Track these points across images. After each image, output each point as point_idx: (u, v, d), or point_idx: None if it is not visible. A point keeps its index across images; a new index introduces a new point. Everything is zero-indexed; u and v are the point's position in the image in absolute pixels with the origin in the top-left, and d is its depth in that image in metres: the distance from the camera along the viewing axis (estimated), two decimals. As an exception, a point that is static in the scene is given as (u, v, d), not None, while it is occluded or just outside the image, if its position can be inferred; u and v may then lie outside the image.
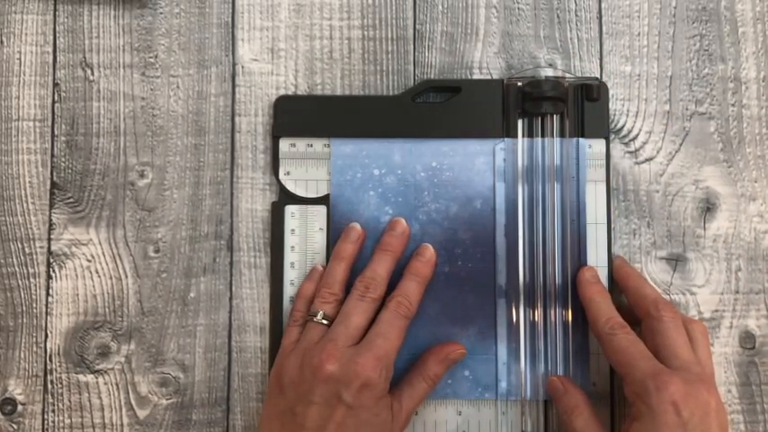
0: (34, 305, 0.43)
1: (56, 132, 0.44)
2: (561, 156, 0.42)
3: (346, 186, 0.43)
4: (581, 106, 0.43)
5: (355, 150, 0.43)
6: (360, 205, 0.43)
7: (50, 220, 0.44)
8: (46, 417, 0.43)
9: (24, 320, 0.43)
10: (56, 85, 0.44)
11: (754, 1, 0.45)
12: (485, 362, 0.42)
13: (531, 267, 0.42)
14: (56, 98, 0.44)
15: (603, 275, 0.43)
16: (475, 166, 0.43)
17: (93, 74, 0.45)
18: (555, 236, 0.42)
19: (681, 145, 0.44)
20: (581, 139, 0.43)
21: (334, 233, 0.42)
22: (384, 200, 0.43)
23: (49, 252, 0.44)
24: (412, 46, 0.45)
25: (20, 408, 0.43)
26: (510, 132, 0.43)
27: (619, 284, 0.42)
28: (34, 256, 0.44)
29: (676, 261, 0.44)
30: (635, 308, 0.40)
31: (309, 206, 0.43)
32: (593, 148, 0.43)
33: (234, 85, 0.45)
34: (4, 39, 0.45)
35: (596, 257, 0.43)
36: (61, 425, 0.43)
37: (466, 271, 0.42)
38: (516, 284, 0.42)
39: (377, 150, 0.43)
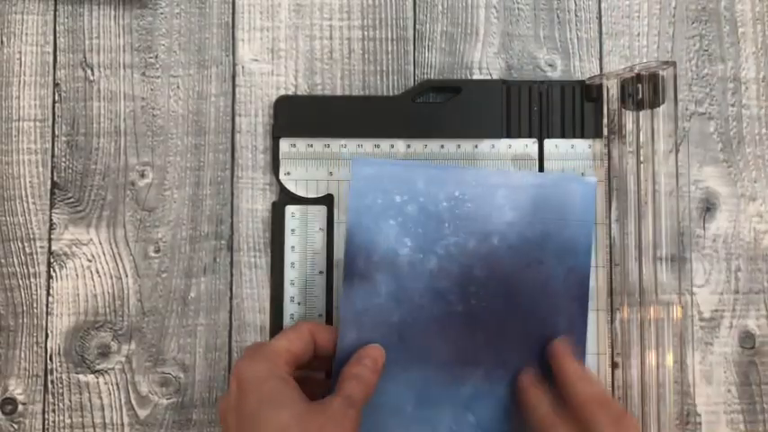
0: (35, 305, 0.43)
1: (56, 132, 0.44)
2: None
3: (365, 213, 0.40)
4: (581, 106, 0.44)
5: (378, 173, 0.40)
6: (378, 235, 0.40)
7: (51, 219, 0.44)
8: (46, 416, 0.43)
9: (25, 320, 0.43)
10: (56, 85, 0.44)
11: (754, 1, 0.45)
12: (490, 407, 0.40)
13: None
14: (56, 98, 0.44)
15: (602, 277, 0.43)
16: (495, 198, 0.40)
17: (93, 74, 0.45)
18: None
19: (680, 145, 0.44)
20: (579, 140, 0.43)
21: (351, 264, 0.39)
22: (404, 230, 0.40)
23: (50, 252, 0.44)
24: (412, 46, 0.45)
25: (20, 407, 0.43)
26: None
27: (554, 374, 0.39)
28: (35, 256, 0.44)
29: (676, 261, 0.44)
30: (567, 404, 0.37)
31: (309, 206, 0.43)
32: (594, 147, 0.43)
33: (234, 86, 0.45)
34: (5, 39, 0.45)
35: (596, 258, 0.43)
36: (62, 425, 0.43)
37: (478, 309, 0.40)
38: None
39: (400, 175, 0.40)
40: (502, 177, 0.41)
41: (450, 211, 0.40)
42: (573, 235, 0.41)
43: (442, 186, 0.40)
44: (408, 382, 0.39)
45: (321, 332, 0.38)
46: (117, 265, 0.44)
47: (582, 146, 0.43)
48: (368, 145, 0.43)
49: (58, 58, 0.45)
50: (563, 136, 0.44)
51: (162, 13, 0.45)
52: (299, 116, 0.44)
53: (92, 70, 0.45)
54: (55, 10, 0.45)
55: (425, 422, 0.39)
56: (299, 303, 0.42)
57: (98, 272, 0.44)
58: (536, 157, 0.43)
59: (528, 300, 0.40)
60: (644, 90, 0.42)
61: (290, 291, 0.43)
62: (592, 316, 0.43)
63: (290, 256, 0.43)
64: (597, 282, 0.43)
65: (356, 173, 0.40)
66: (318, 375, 0.40)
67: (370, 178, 0.40)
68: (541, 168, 0.43)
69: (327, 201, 0.43)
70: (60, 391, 0.43)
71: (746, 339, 0.44)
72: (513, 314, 0.40)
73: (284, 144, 0.43)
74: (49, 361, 0.43)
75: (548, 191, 0.41)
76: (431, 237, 0.40)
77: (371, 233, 0.40)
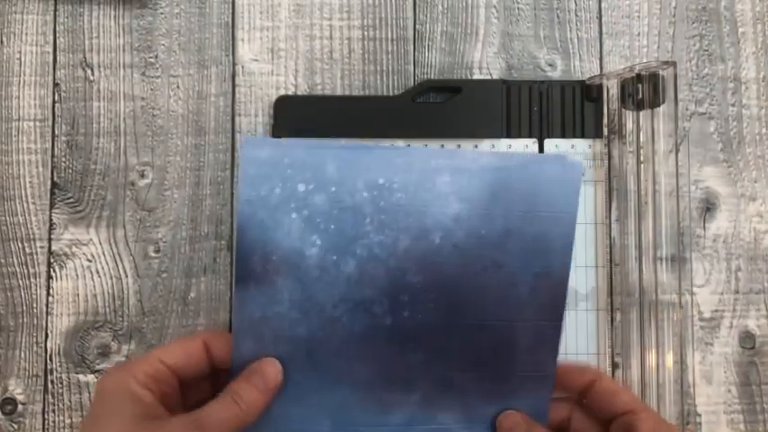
0: (34, 305, 0.43)
1: (56, 132, 0.44)
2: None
3: (260, 205, 0.32)
4: (581, 106, 0.44)
5: (275, 155, 0.32)
6: (277, 231, 0.32)
7: (51, 219, 0.44)
8: (46, 416, 0.43)
9: (25, 320, 0.43)
10: (56, 85, 0.44)
11: (754, 1, 0.45)
12: None
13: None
14: (56, 98, 0.44)
15: (603, 277, 0.43)
16: (435, 186, 0.32)
17: (93, 74, 0.45)
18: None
19: (680, 145, 0.44)
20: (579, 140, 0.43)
21: (243, 264, 0.32)
22: (311, 226, 0.32)
23: (50, 252, 0.44)
24: (412, 46, 0.45)
25: (20, 407, 0.43)
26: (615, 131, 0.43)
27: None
28: (35, 256, 0.44)
29: (676, 261, 0.44)
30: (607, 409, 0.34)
31: (309, 206, 0.43)
32: (594, 147, 0.43)
33: (234, 85, 0.45)
34: (4, 39, 0.45)
35: (596, 258, 0.43)
36: (61, 425, 0.43)
37: (413, 323, 0.33)
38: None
39: (303, 158, 0.32)
40: (446, 158, 0.33)
41: (372, 203, 0.32)
42: (545, 231, 0.33)
43: (362, 172, 0.32)
44: (321, 407, 0.33)
45: (218, 341, 0.33)
46: (117, 265, 0.44)
47: (582, 146, 0.43)
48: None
49: (58, 57, 0.45)
50: (563, 136, 0.43)
51: (162, 13, 0.45)
52: (299, 116, 0.44)
53: (92, 70, 0.45)
54: (55, 10, 0.45)
55: None
56: (298, 303, 0.42)
57: (98, 272, 0.43)
58: (536, 156, 0.43)
59: (480, 312, 0.33)
60: (644, 90, 0.42)
61: (289, 291, 0.42)
62: (592, 316, 0.43)
63: (289, 256, 0.42)
64: (597, 282, 0.43)
65: (247, 155, 0.32)
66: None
67: (265, 162, 0.32)
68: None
69: (327, 201, 0.43)
70: (60, 391, 0.43)
71: (747, 339, 0.44)
72: (460, 329, 0.33)
73: (284, 144, 0.43)
74: (48, 361, 0.43)
75: (511, 175, 0.33)
76: (347, 235, 0.32)
77: (268, 229, 0.32)
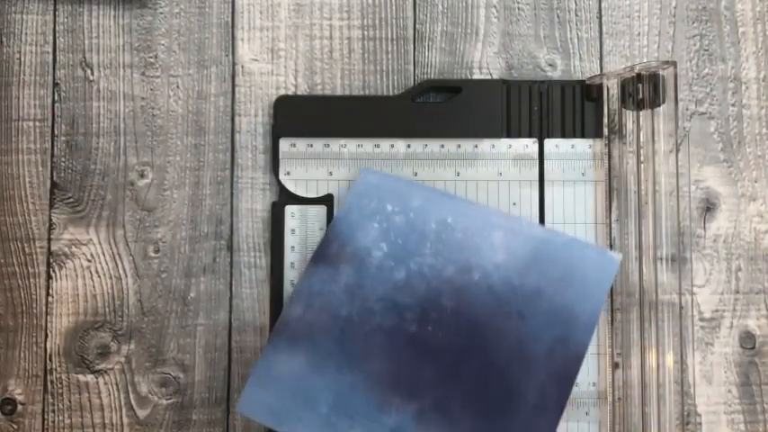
0: (34, 305, 0.43)
1: (56, 132, 0.44)
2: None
3: (355, 210, 0.40)
4: (581, 106, 0.44)
5: (380, 182, 0.40)
6: (359, 231, 0.39)
7: (50, 219, 0.44)
8: (46, 417, 0.43)
9: (24, 320, 0.43)
10: (56, 85, 0.44)
11: (754, 1, 0.45)
12: None
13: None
14: (56, 98, 0.44)
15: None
16: (490, 237, 0.38)
17: (93, 74, 0.45)
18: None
19: (681, 145, 0.44)
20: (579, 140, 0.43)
21: (324, 247, 0.39)
22: (383, 235, 0.39)
23: (49, 252, 0.44)
24: (412, 46, 0.45)
25: (20, 408, 0.43)
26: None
27: None
28: (34, 256, 0.44)
29: (676, 261, 0.44)
30: None
31: (309, 206, 0.43)
32: (594, 147, 0.43)
33: (234, 85, 0.45)
34: (4, 39, 0.45)
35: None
36: (61, 425, 0.43)
37: (434, 339, 0.37)
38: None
39: (399, 189, 0.40)
40: (504, 220, 0.38)
41: (436, 234, 0.39)
42: (573, 302, 0.37)
43: (436, 210, 0.39)
44: (333, 382, 0.37)
45: None
46: (116, 265, 0.44)
47: (582, 146, 0.43)
48: (368, 145, 0.43)
49: (58, 57, 0.45)
50: (563, 136, 0.43)
51: (162, 13, 0.45)
52: (299, 116, 0.44)
53: (91, 70, 0.45)
54: (55, 10, 0.45)
55: (332, 429, 0.36)
56: (298, 303, 0.42)
57: (97, 272, 0.43)
58: (536, 157, 0.43)
59: (496, 351, 0.36)
60: (644, 90, 0.42)
61: (289, 291, 0.43)
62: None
63: (289, 256, 0.43)
64: (597, 282, 0.43)
65: (362, 178, 0.41)
66: None
67: (372, 185, 0.40)
68: (542, 168, 0.43)
69: (327, 201, 0.43)
70: (60, 391, 0.43)
71: (747, 339, 0.44)
72: (474, 361, 0.36)
73: (284, 144, 0.43)
74: (48, 361, 0.43)
75: (555, 248, 0.38)
76: (408, 250, 0.38)
77: (354, 228, 0.39)
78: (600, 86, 0.43)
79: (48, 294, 0.43)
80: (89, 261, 0.44)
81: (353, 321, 0.37)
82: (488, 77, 0.45)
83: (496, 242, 0.38)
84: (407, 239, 0.38)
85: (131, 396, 0.43)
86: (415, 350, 0.36)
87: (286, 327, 0.38)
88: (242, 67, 0.45)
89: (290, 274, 0.43)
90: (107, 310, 0.43)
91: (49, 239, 0.44)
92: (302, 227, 0.43)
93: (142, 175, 0.44)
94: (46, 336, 0.43)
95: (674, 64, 0.41)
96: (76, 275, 0.43)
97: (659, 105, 0.42)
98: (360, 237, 0.39)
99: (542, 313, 0.37)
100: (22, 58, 0.44)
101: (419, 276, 0.38)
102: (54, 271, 0.44)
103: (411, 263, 0.38)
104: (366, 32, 0.45)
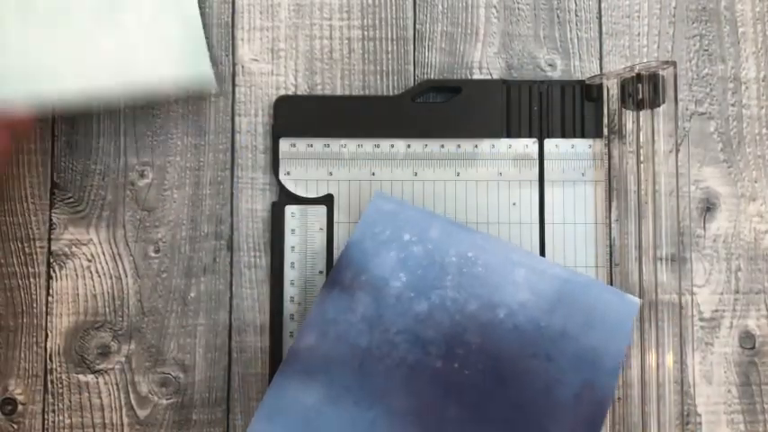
0: (34, 305, 0.43)
1: (56, 132, 0.44)
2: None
3: (370, 237, 0.38)
4: (581, 106, 0.44)
5: (395, 210, 0.38)
6: (375, 259, 0.37)
7: (50, 219, 0.44)
8: (46, 417, 0.43)
9: (24, 320, 0.43)
10: (56, 85, 0.44)
11: (754, 1, 0.45)
12: None
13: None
14: (56, 98, 0.44)
15: (603, 277, 0.43)
16: (512, 274, 0.37)
17: (93, 74, 0.44)
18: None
19: (680, 145, 0.44)
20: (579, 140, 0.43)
21: (337, 273, 0.38)
22: (402, 264, 0.37)
23: (50, 252, 0.44)
24: (412, 46, 0.45)
25: (20, 408, 0.43)
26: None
27: None
28: (34, 256, 0.44)
29: (676, 261, 0.44)
30: None
31: (309, 206, 0.43)
32: (594, 147, 0.43)
33: (234, 85, 0.45)
34: (5, 39, 0.45)
35: (596, 258, 0.43)
36: (61, 425, 0.43)
37: (460, 377, 0.35)
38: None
39: (416, 219, 0.38)
40: (525, 257, 0.37)
41: (457, 267, 0.37)
42: (597, 345, 0.36)
43: (456, 242, 0.37)
44: (352, 418, 0.35)
45: (22, 124, 0.39)
46: (117, 265, 0.44)
47: (582, 146, 0.43)
48: (368, 145, 0.43)
49: (58, 57, 0.45)
50: (563, 136, 0.44)
51: (162, 13, 0.45)
52: (299, 116, 0.44)
53: (92, 70, 0.45)
54: (55, 10, 0.45)
55: None
56: (298, 303, 0.42)
57: (98, 272, 0.43)
58: (536, 157, 0.43)
59: (522, 393, 0.35)
60: (644, 90, 0.42)
61: (289, 291, 0.43)
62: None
63: (289, 256, 0.43)
64: (597, 282, 0.43)
65: (375, 204, 0.39)
66: None
67: (386, 213, 0.38)
68: (542, 168, 0.43)
69: (327, 201, 0.43)
70: (60, 391, 0.43)
71: (747, 339, 0.44)
72: (500, 402, 0.35)
73: (284, 144, 0.43)
74: (48, 361, 0.43)
75: (576, 288, 0.37)
76: (429, 281, 0.37)
77: (369, 255, 0.38)
78: (600, 86, 0.43)
79: (48, 294, 0.43)
80: (89, 261, 0.44)
81: (373, 354, 0.35)
82: (488, 77, 0.45)
83: (519, 280, 0.36)
84: (427, 270, 0.37)
85: (131, 396, 0.43)
86: (441, 387, 0.35)
87: (298, 356, 0.35)
88: (242, 67, 0.45)
89: (290, 274, 0.43)
90: (107, 310, 0.43)
91: (50, 239, 0.44)
92: (302, 227, 0.43)
93: (142, 175, 0.44)
94: (46, 336, 0.43)
95: (674, 64, 0.41)
96: (77, 275, 0.44)
97: (659, 105, 0.42)
98: (376, 265, 0.37)
99: (569, 356, 0.36)
100: (23, 58, 0.44)
101: (442, 310, 0.36)
102: (54, 271, 0.44)
103: (432, 295, 0.36)
104: (366, 32, 0.45)
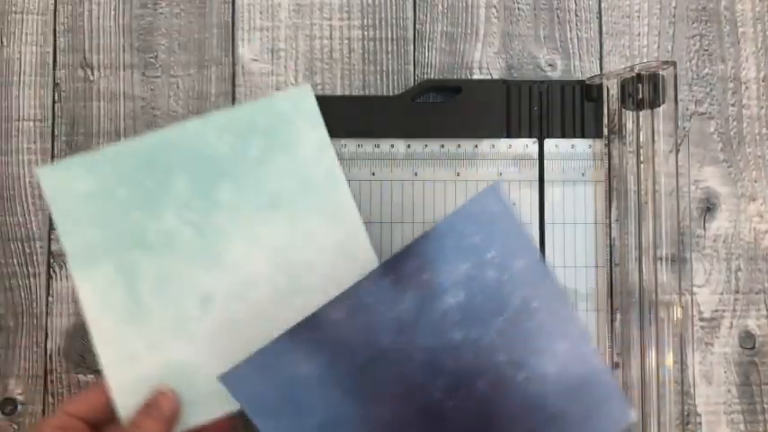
0: (34, 305, 0.43)
1: (56, 132, 0.44)
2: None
3: (456, 236, 0.34)
4: (581, 106, 0.44)
5: (499, 215, 0.35)
6: (446, 264, 0.34)
7: (50, 219, 0.44)
8: (46, 416, 0.43)
9: (24, 320, 0.43)
10: (56, 85, 0.44)
11: (754, 1, 0.45)
12: None
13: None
14: (56, 98, 0.44)
15: (603, 277, 0.43)
16: (556, 343, 0.35)
17: (93, 74, 0.45)
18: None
19: (680, 145, 0.44)
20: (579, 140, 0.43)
21: (408, 261, 0.34)
22: (468, 283, 0.34)
23: (50, 252, 0.44)
24: (412, 46, 0.45)
25: (20, 407, 0.43)
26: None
27: None
28: (34, 256, 0.44)
29: (676, 261, 0.44)
30: None
31: (309, 206, 0.43)
32: (594, 147, 0.43)
33: (234, 85, 0.45)
34: (4, 39, 0.45)
35: (596, 258, 0.43)
36: (61, 425, 0.43)
37: (449, 415, 0.34)
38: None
39: (511, 237, 0.35)
40: (576, 331, 0.35)
41: (515, 313, 0.34)
42: None
43: (532, 285, 0.35)
44: (334, 405, 0.34)
45: None
46: (117, 265, 0.43)
47: (582, 146, 0.43)
48: (368, 145, 0.43)
49: (58, 58, 0.45)
50: (563, 136, 0.43)
51: (162, 13, 0.45)
52: (299, 116, 0.43)
53: (92, 70, 0.45)
54: (55, 10, 0.45)
55: None
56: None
57: (98, 272, 0.43)
58: (536, 156, 0.43)
59: None
60: (644, 90, 0.42)
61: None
62: (592, 316, 0.43)
63: (289, 256, 0.43)
64: (597, 282, 0.43)
65: (481, 198, 0.35)
66: None
67: (487, 213, 0.34)
68: (542, 168, 0.43)
69: (327, 201, 0.43)
70: (60, 391, 0.43)
71: (747, 339, 0.44)
72: None
73: (284, 144, 0.43)
74: (48, 361, 0.43)
75: (595, 382, 0.36)
76: (482, 313, 0.34)
77: (444, 255, 0.34)
78: (600, 86, 0.43)
79: (48, 294, 0.43)
80: (89, 261, 0.44)
81: (387, 357, 0.33)
82: (488, 77, 0.45)
83: (558, 353, 0.34)
84: (487, 301, 0.34)
85: (131, 396, 0.43)
86: (426, 416, 0.33)
87: (317, 326, 0.33)
88: (242, 67, 0.45)
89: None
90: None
91: (50, 239, 0.44)
92: (302, 227, 0.43)
93: (142, 175, 0.44)
94: (46, 336, 0.43)
95: (674, 64, 0.41)
96: (77, 275, 0.43)
97: (659, 105, 0.42)
98: (444, 271, 0.33)
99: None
100: (23, 58, 0.44)
101: (473, 347, 0.34)
102: (54, 271, 0.44)
103: (474, 329, 0.34)
104: (366, 32, 0.45)
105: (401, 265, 0.33)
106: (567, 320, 0.35)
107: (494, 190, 0.34)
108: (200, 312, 0.35)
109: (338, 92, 0.45)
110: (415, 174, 0.43)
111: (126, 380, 0.35)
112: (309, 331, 0.33)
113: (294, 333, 0.33)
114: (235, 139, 0.36)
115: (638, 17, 0.45)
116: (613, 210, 0.43)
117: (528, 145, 0.43)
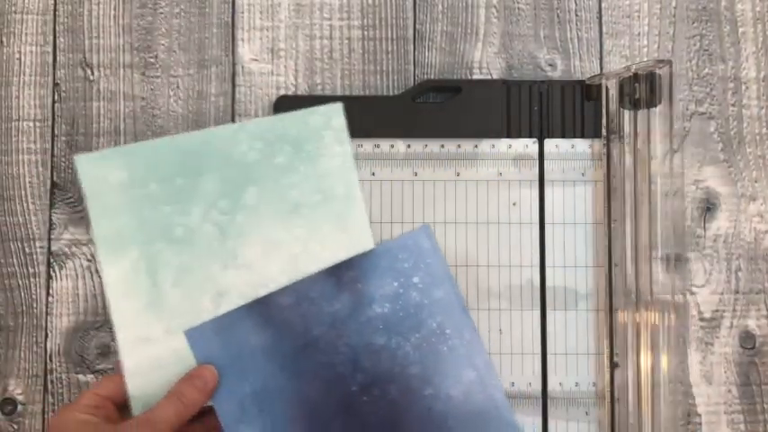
0: (34, 305, 0.43)
1: (56, 132, 0.44)
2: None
3: (390, 258, 0.39)
4: (581, 106, 0.44)
5: (428, 251, 0.39)
6: (377, 279, 0.39)
7: (50, 219, 0.44)
8: (46, 416, 0.43)
9: (24, 320, 0.43)
10: (56, 85, 0.44)
11: (754, 1, 0.45)
12: None
13: None
14: (56, 98, 0.44)
15: (602, 277, 0.43)
16: (464, 371, 0.38)
17: (93, 74, 0.45)
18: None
19: (681, 145, 0.44)
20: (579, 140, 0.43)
21: (348, 270, 0.38)
22: (394, 298, 0.39)
23: (50, 252, 0.44)
24: (412, 46, 0.45)
25: (20, 408, 0.43)
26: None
27: None
28: (34, 256, 0.44)
29: (676, 261, 0.44)
30: None
31: (309, 206, 0.43)
32: (593, 147, 0.43)
33: (234, 85, 0.45)
34: (4, 39, 0.45)
35: (595, 258, 0.43)
36: (61, 425, 0.43)
37: (362, 407, 0.38)
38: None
39: (437, 272, 0.39)
40: (485, 368, 0.39)
41: (430, 333, 0.38)
42: None
43: (448, 315, 0.39)
44: (269, 376, 0.37)
45: None
46: (117, 265, 0.44)
47: (582, 146, 0.43)
48: (368, 145, 0.43)
49: (58, 57, 0.45)
50: (563, 136, 0.43)
51: (162, 13, 0.45)
52: (299, 116, 0.43)
53: (91, 70, 0.45)
54: (55, 10, 0.45)
55: (240, 410, 0.37)
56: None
57: (98, 272, 0.43)
58: (536, 156, 0.43)
59: None
60: (641, 89, 0.42)
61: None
62: (591, 316, 0.43)
63: (289, 256, 0.43)
64: (596, 282, 0.43)
65: (415, 235, 0.39)
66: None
67: (419, 248, 0.39)
68: (542, 168, 0.43)
69: (327, 201, 0.43)
70: (60, 391, 0.43)
71: (747, 339, 0.44)
72: None
73: (284, 144, 0.43)
74: (48, 361, 0.43)
75: (495, 418, 0.39)
76: (401, 327, 0.38)
77: (376, 272, 0.39)
78: (599, 86, 0.43)
79: (48, 294, 0.43)
80: (89, 261, 0.44)
81: (317, 345, 0.38)
82: (488, 77, 0.45)
83: (464, 379, 0.38)
84: (408, 318, 0.38)
85: (131, 396, 0.43)
86: (343, 404, 0.38)
87: (269, 304, 0.38)
88: (242, 67, 0.45)
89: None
90: (107, 309, 0.43)
91: (50, 239, 0.44)
92: (302, 227, 0.43)
93: (142, 175, 0.44)
94: (46, 336, 0.43)
95: (670, 63, 0.41)
96: (77, 275, 0.44)
97: (656, 105, 0.42)
98: (375, 285, 0.38)
99: None
100: (23, 58, 0.44)
101: (391, 356, 0.38)
102: (54, 271, 0.44)
103: (394, 338, 0.38)
104: (366, 32, 0.45)
105: (343, 273, 0.38)
106: (477, 353, 0.38)
107: (426, 229, 0.39)
108: (213, 306, 0.37)
109: (338, 92, 0.45)
110: (415, 174, 0.43)
111: (140, 361, 0.36)
112: (263, 309, 0.37)
113: (251, 308, 0.37)
114: (265, 146, 0.37)
115: (639, 17, 0.45)
116: (612, 210, 0.43)
117: (528, 145, 0.43)
